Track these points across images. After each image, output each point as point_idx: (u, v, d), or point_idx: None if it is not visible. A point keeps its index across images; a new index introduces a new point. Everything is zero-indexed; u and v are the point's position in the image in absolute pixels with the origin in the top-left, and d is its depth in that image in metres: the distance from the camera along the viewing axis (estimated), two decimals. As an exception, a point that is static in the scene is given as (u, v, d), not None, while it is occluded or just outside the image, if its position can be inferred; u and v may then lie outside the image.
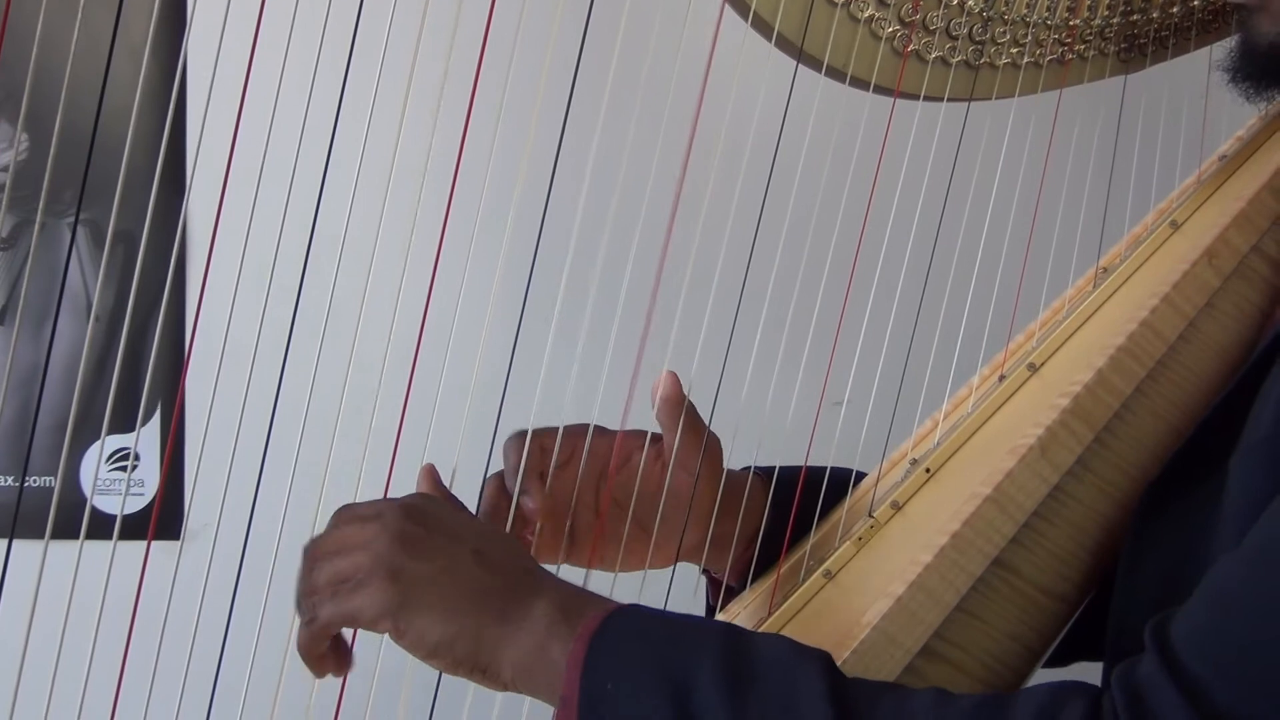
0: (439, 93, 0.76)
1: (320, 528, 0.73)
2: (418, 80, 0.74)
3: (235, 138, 0.72)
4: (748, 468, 0.92)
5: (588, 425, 0.86)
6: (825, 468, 0.90)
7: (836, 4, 0.83)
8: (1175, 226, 0.90)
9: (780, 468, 0.91)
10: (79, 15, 0.75)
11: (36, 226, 1.56)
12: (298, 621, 0.70)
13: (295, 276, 0.75)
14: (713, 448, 0.87)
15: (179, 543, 1.31)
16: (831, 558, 0.83)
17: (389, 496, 0.72)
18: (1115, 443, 0.80)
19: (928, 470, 0.85)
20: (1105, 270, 0.90)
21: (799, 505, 0.87)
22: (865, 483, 0.89)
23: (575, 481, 0.85)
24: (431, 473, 0.79)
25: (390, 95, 0.75)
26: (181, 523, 1.47)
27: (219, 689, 0.75)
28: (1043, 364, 0.86)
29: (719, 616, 0.90)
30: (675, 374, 0.85)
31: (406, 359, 0.78)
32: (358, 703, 0.78)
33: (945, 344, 0.89)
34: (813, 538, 0.88)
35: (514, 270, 0.82)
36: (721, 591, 0.92)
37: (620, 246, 0.84)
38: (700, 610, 0.93)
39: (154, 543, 0.76)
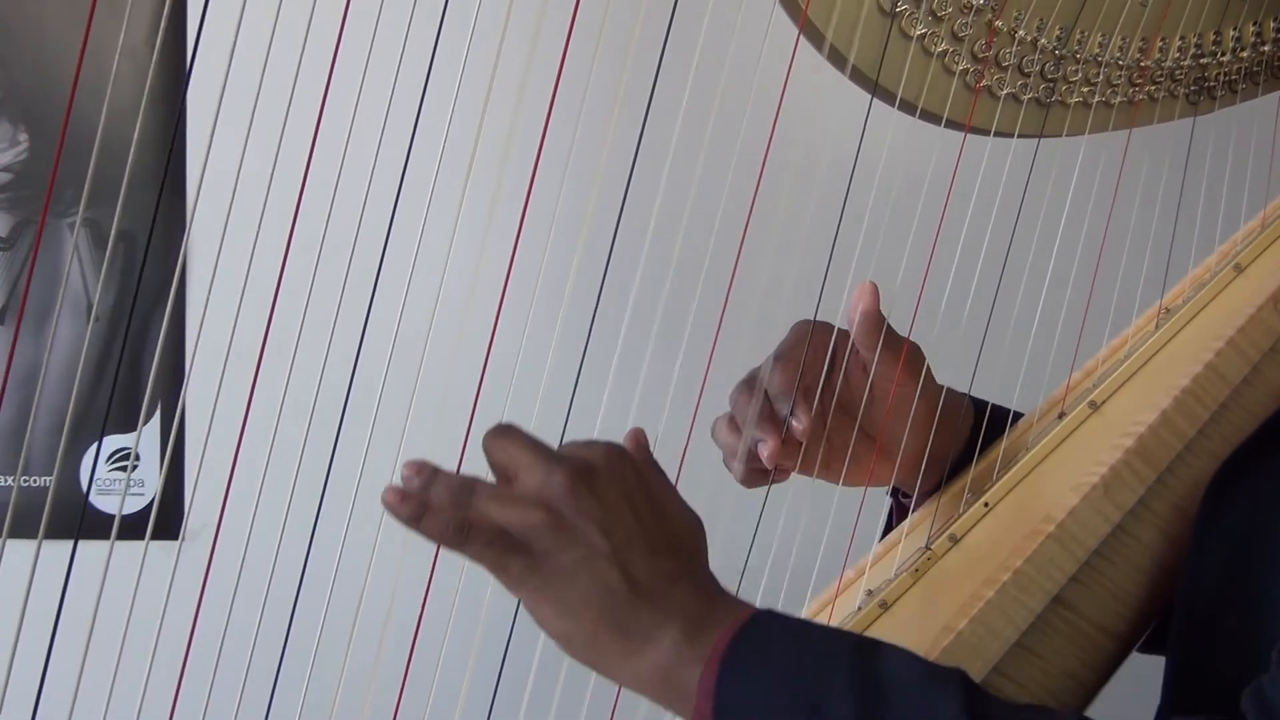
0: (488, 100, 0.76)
1: (323, 528, 0.74)
2: (441, 83, 0.74)
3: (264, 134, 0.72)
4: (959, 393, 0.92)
5: (810, 324, 0.85)
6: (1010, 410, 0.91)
7: (911, 37, 0.83)
8: (1239, 270, 0.90)
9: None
10: (109, 17, 0.74)
11: (38, 227, 1.57)
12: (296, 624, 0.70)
13: (301, 276, 0.75)
14: (914, 358, 0.86)
15: (179, 543, 1.31)
16: (889, 588, 0.83)
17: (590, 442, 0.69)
18: (1175, 482, 0.80)
19: (986, 504, 0.85)
20: (1168, 311, 0.91)
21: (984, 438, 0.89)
22: (921, 515, 0.89)
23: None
24: (639, 437, 0.74)
25: (408, 96, 0.75)
26: (181, 523, 1.47)
27: (216, 690, 0.75)
28: (1104, 402, 0.87)
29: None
30: (875, 286, 0.85)
31: (415, 358, 0.78)
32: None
33: (1007, 378, 0.89)
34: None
35: (583, 288, 0.82)
36: (906, 514, 0.92)
37: (691, 270, 0.85)
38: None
39: (153, 543, 0.76)
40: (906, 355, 0.86)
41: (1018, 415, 0.92)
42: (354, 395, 0.76)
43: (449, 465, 0.75)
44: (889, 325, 0.86)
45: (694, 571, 0.69)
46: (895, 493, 0.95)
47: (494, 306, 0.77)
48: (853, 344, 0.86)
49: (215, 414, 0.76)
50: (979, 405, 0.92)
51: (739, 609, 0.67)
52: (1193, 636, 0.75)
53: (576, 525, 0.65)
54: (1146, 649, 0.84)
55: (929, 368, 0.88)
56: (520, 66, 0.77)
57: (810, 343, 0.85)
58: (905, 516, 0.91)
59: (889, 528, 0.94)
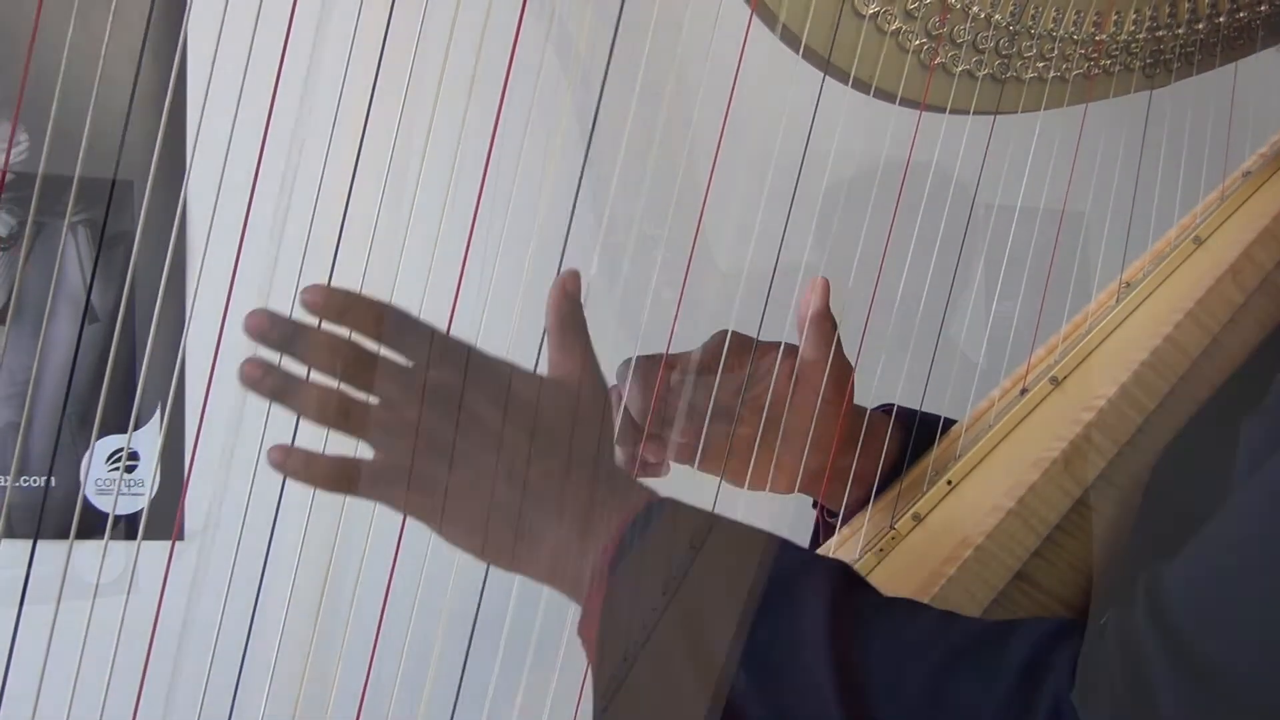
0: (437, 89, 0.75)
1: (330, 530, 0.73)
2: (420, 75, 0.74)
3: (260, 130, 0.71)
4: (888, 407, 0.92)
5: (726, 332, 0.86)
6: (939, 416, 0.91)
7: (864, 16, 0.83)
8: (1199, 242, 0.90)
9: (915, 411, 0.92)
10: (111, 16, 0.74)
11: (37, 226, 1.56)
12: (297, 625, 0.70)
13: (298, 274, 0.75)
14: (840, 373, 0.87)
15: (179, 543, 1.31)
16: (854, 567, 0.83)
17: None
18: (1136, 456, 0.80)
19: (949, 482, 0.85)
20: (1128, 285, 0.91)
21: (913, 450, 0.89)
22: (890, 491, 0.89)
23: (715, 385, 0.86)
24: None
25: (391, 94, 0.74)
26: (181, 523, 1.47)
27: (214, 689, 0.74)
28: (1065, 378, 0.87)
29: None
30: (828, 281, 0.86)
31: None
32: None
33: (968, 356, 0.89)
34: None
35: (540, 275, 0.82)
36: (832, 533, 0.92)
37: (645, 254, 0.84)
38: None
39: (152, 542, 0.76)
40: (837, 370, 0.87)
41: (949, 422, 0.92)
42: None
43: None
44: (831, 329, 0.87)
45: (581, 462, 0.68)
46: (821, 508, 0.95)
47: (478, 306, 0.78)
48: (777, 353, 0.87)
49: (216, 414, 0.76)
50: (907, 415, 0.92)
51: (642, 495, 0.68)
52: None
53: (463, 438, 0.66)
54: None
55: (852, 386, 0.88)
56: (469, 53, 0.77)
57: (727, 350, 0.86)
58: (832, 534, 0.91)
59: (814, 545, 0.94)
